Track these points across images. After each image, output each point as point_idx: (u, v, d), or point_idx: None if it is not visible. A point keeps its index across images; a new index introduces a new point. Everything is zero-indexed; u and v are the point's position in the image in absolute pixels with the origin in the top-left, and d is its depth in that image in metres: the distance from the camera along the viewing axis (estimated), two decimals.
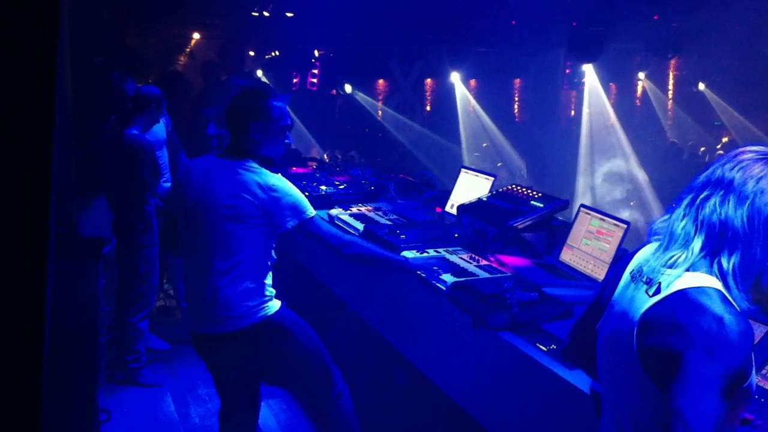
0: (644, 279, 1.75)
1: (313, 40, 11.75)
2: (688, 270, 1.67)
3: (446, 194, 5.05)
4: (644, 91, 14.36)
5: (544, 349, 2.81)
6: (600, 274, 3.46)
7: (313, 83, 12.45)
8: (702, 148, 12.84)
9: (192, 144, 6.18)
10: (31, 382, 0.96)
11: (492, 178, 4.71)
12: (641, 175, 11.18)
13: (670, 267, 1.70)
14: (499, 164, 11.80)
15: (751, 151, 1.74)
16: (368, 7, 9.13)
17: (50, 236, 0.94)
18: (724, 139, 13.43)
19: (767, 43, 10.12)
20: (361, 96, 13.21)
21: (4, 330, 0.94)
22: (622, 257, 1.98)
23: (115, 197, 5.12)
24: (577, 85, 12.53)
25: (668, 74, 14.57)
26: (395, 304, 3.92)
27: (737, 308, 1.62)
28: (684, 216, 1.73)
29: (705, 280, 1.65)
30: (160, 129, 5.52)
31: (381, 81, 14.25)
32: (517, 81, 15.01)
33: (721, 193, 1.69)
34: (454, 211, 4.57)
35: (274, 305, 3.36)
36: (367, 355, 4.60)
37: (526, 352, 2.83)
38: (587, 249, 3.62)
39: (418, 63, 13.91)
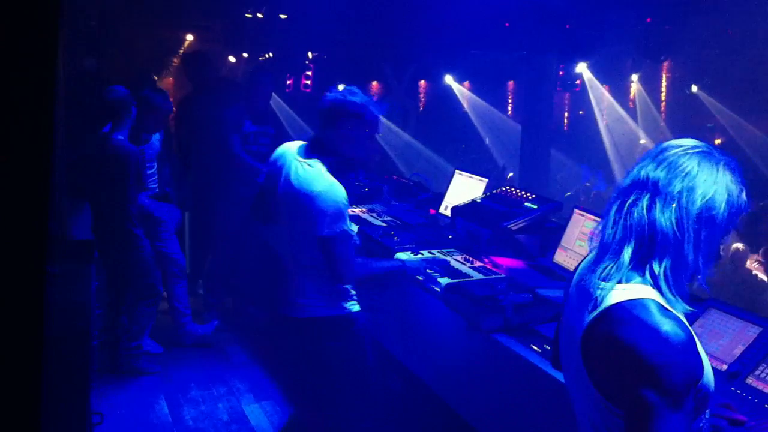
0: (584, 293, 1.72)
1: (307, 42, 11.74)
2: (621, 281, 1.64)
3: (440, 196, 5.05)
4: (637, 93, 14.41)
5: (537, 350, 2.81)
6: None
7: (306, 85, 12.44)
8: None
9: (205, 146, 6.20)
10: (30, 384, 0.96)
11: (486, 180, 4.72)
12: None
13: (604, 279, 1.67)
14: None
15: (674, 146, 1.73)
16: (362, 9, 9.13)
17: (47, 239, 0.94)
18: (717, 141, 13.48)
19: (758, 46, 10.18)
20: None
21: (3, 333, 0.94)
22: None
23: (100, 201, 5.12)
24: (571, 88, 12.55)
25: (661, 77, 14.62)
26: (388, 306, 3.91)
27: (675, 314, 1.60)
28: (613, 223, 1.70)
29: (639, 291, 1.63)
30: (156, 140, 5.60)
31: (375, 83, 14.25)
32: (510, 83, 15.04)
33: (648, 196, 1.66)
34: (448, 213, 4.58)
35: (351, 306, 3.38)
36: None
37: (519, 353, 2.83)
38: (581, 251, 3.63)
39: (412, 65, 13.91)
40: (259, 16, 10.12)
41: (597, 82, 12.25)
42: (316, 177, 3.22)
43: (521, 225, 3.98)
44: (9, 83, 0.91)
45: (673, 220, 1.63)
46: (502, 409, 2.98)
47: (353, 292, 3.41)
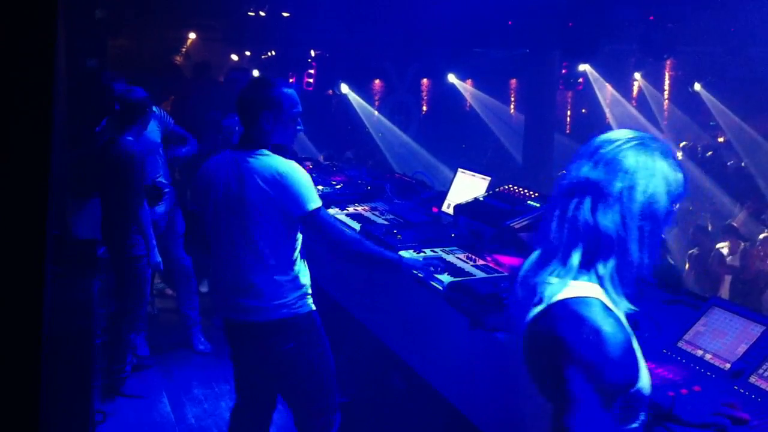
0: (529, 289, 1.72)
1: (309, 40, 11.74)
2: (568, 279, 1.65)
3: (443, 194, 5.04)
4: (640, 91, 14.39)
5: None
6: None
7: (309, 83, 12.44)
8: (699, 147, 12.88)
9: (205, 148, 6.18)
10: (30, 383, 0.96)
11: (488, 178, 4.71)
12: None
13: (551, 276, 1.68)
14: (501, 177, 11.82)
15: (609, 142, 1.72)
16: (364, 7, 9.13)
17: (48, 239, 0.93)
18: (720, 139, 13.47)
19: (761, 44, 10.16)
20: (353, 97, 13.20)
21: (3, 332, 0.94)
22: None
23: (106, 202, 5.01)
24: (574, 86, 12.54)
25: (664, 75, 14.60)
26: (391, 305, 3.91)
27: (617, 315, 1.62)
28: (559, 226, 1.70)
29: (585, 289, 1.64)
30: (152, 133, 5.45)
31: (377, 81, 14.24)
32: (513, 81, 15.02)
33: (590, 199, 1.66)
34: (450, 211, 4.57)
35: (306, 305, 3.33)
36: (363, 357, 4.59)
37: None
38: None
39: (414, 64, 13.90)
40: (262, 14, 10.12)
41: (602, 80, 12.23)
42: (277, 161, 3.20)
43: (524, 223, 3.97)
44: (7, 82, 0.91)
45: (617, 222, 1.63)
46: (504, 407, 2.98)
47: (308, 290, 3.36)
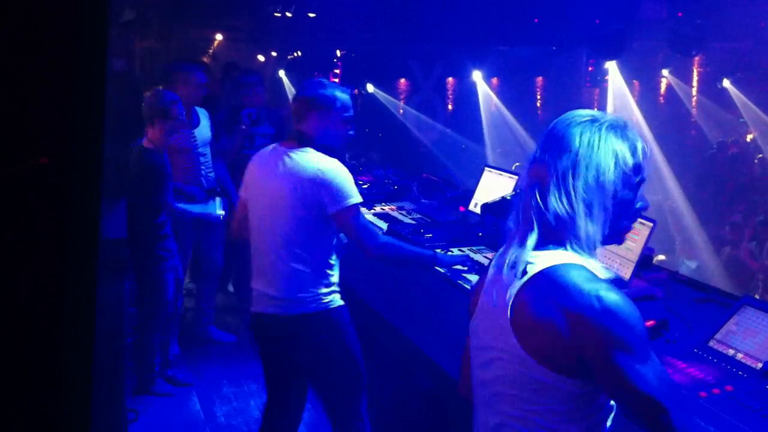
0: (509, 267, 1.74)
1: (335, 41, 11.78)
2: (549, 250, 1.69)
3: (469, 193, 5.04)
4: (668, 88, 14.24)
5: None
6: (626, 273, 3.44)
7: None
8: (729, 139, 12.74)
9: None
10: (83, 383, 0.98)
11: (516, 177, 4.70)
12: (666, 171, 11.08)
13: (532, 250, 1.70)
14: (516, 165, 11.73)
15: (559, 123, 1.75)
16: (389, 6, 9.14)
17: (99, 240, 0.96)
18: (750, 136, 13.30)
19: None
20: (382, 95, 13.21)
21: (58, 330, 0.96)
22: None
23: (134, 202, 4.98)
24: (600, 83, 12.46)
25: (692, 71, 14.45)
26: (418, 303, 3.92)
27: (604, 281, 1.66)
28: (521, 213, 1.76)
29: (567, 256, 1.67)
30: (204, 128, 5.51)
31: (402, 80, 14.24)
32: (539, 79, 14.94)
33: (541, 182, 1.71)
34: (477, 210, 4.57)
35: (336, 300, 3.37)
36: (389, 355, 4.60)
37: None
38: (613, 248, 3.60)
39: (439, 62, 13.88)
40: (288, 15, 10.16)
41: (622, 80, 12.10)
42: (320, 158, 3.25)
43: None
44: (62, 85, 0.93)
45: (564, 202, 1.66)
46: None
47: (336, 287, 3.39)
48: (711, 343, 2.62)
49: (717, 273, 8.20)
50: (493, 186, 4.76)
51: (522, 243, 1.71)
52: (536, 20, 9.68)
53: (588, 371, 1.62)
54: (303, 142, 3.31)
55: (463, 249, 3.98)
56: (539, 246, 1.69)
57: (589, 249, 1.68)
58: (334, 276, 3.38)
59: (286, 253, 3.28)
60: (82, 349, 1.00)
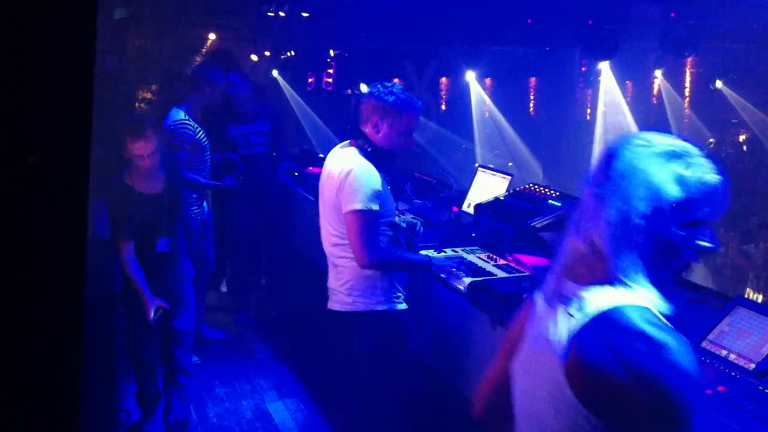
0: (561, 304, 1.59)
1: (329, 40, 11.76)
2: (603, 287, 1.53)
3: (463, 194, 5.04)
4: (661, 89, 14.28)
5: None
6: None
7: (328, 83, 12.46)
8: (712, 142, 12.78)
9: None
10: (70, 382, 0.97)
11: (509, 177, 4.70)
12: None
13: (585, 286, 1.55)
14: (510, 164, 11.74)
15: (613, 149, 1.59)
16: (383, 6, 9.13)
17: (86, 240, 0.95)
18: (742, 137, 13.34)
19: None
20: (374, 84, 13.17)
21: (42, 330, 0.95)
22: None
23: None
24: (593, 84, 12.47)
25: (685, 72, 14.47)
26: (412, 303, 3.91)
27: (667, 324, 1.49)
28: (576, 243, 1.60)
29: (624, 295, 1.51)
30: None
31: (396, 80, 14.22)
32: (533, 80, 14.95)
33: (599, 213, 1.55)
34: (471, 211, 4.57)
35: (395, 303, 3.43)
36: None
37: None
38: None
39: (433, 62, 13.87)
40: (281, 14, 10.14)
41: (614, 81, 12.12)
42: (350, 157, 3.33)
43: (545, 223, 3.96)
44: (49, 84, 0.92)
45: (598, 233, 1.53)
46: None
47: (400, 292, 3.44)
48: (704, 344, 2.62)
49: (710, 274, 8.22)
50: (487, 186, 4.76)
51: (572, 277, 1.58)
52: (529, 20, 9.69)
53: (638, 423, 1.46)
54: (361, 144, 3.38)
55: (457, 249, 3.98)
56: (591, 281, 1.55)
57: (634, 283, 1.51)
58: (389, 277, 3.40)
59: (337, 249, 3.41)
60: (70, 349, 0.99)
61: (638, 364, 1.43)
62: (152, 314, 4.03)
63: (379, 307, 3.35)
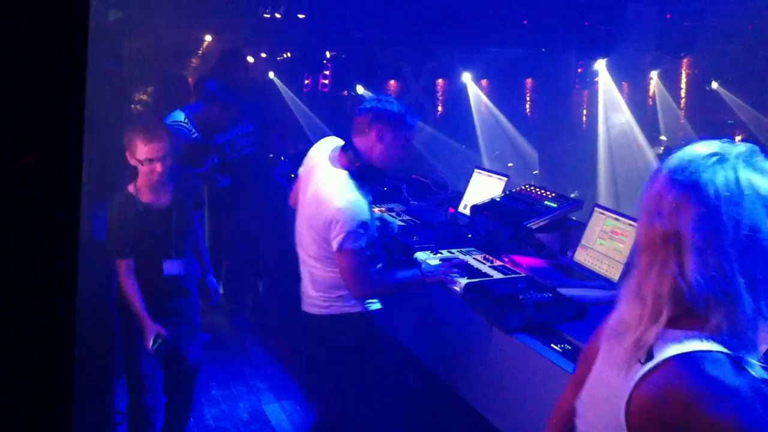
0: (628, 343, 1.41)
1: (325, 42, 11.77)
2: (681, 331, 1.35)
3: (459, 195, 5.04)
4: (657, 90, 14.30)
5: (558, 349, 2.80)
6: (615, 274, 3.45)
7: (324, 84, 12.47)
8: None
9: None
10: (62, 383, 0.97)
11: (505, 179, 4.71)
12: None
13: (660, 328, 1.37)
14: (510, 165, 11.75)
15: (680, 169, 1.37)
16: (379, 8, 9.13)
17: (78, 241, 0.95)
18: (738, 137, 13.37)
19: None
20: (371, 97, 13.19)
21: (34, 329, 0.95)
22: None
23: None
24: (590, 85, 12.48)
25: (680, 73, 14.50)
26: (408, 305, 3.91)
27: (752, 374, 1.30)
28: (647, 275, 1.39)
29: (705, 343, 1.32)
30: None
31: (392, 82, 14.23)
32: (529, 81, 14.96)
33: (675, 251, 1.34)
34: (467, 212, 4.57)
35: (369, 304, 3.46)
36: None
37: (540, 353, 2.82)
38: (602, 249, 3.61)
39: (429, 64, 13.89)
40: (277, 16, 10.14)
41: (611, 81, 12.14)
42: (340, 191, 3.29)
43: (541, 224, 3.97)
44: (40, 84, 0.92)
45: (715, 274, 1.30)
46: (522, 408, 2.97)
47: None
48: None
49: None
50: (483, 187, 4.76)
51: (647, 320, 1.37)
52: (525, 22, 9.71)
53: None
54: (352, 159, 3.36)
55: (453, 251, 3.98)
56: (668, 324, 1.36)
57: (747, 333, 1.31)
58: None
59: (315, 254, 3.42)
60: (62, 348, 0.99)
61: (706, 413, 1.26)
62: (151, 343, 3.67)
63: (353, 310, 3.41)
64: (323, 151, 3.51)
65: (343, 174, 3.35)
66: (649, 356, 1.35)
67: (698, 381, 1.28)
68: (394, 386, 3.61)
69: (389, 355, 3.53)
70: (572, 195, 5.72)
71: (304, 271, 3.51)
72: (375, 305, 3.46)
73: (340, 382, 3.56)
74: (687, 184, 1.34)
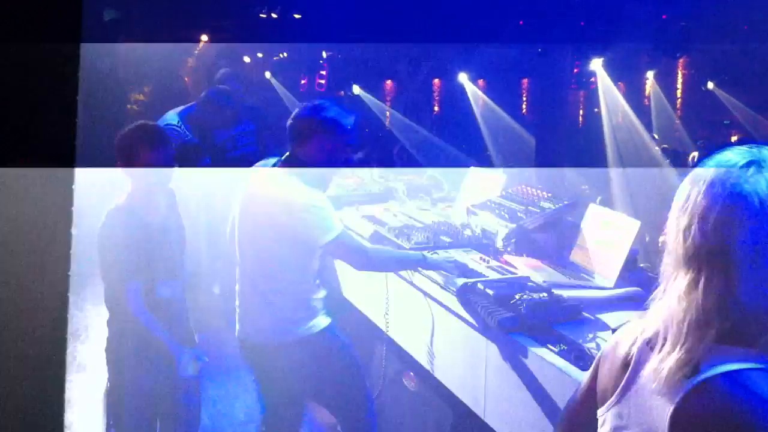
0: (671, 360, 1.34)
1: (321, 42, 11.77)
2: (729, 347, 1.30)
3: (455, 195, 5.04)
4: (653, 90, 14.33)
5: (554, 349, 2.80)
6: (610, 274, 3.44)
7: (320, 84, 12.48)
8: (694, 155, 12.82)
9: None
10: (56, 380, 0.97)
11: (502, 179, 4.70)
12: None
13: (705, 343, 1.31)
14: (510, 165, 11.76)
15: (717, 181, 1.31)
16: (375, 8, 9.14)
17: (71, 241, 0.95)
18: (734, 138, 13.39)
19: None
20: (367, 97, 13.21)
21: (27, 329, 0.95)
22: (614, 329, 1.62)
23: None
24: (586, 85, 12.49)
25: (677, 73, 14.53)
26: (407, 305, 3.91)
27: None
28: (700, 307, 1.32)
29: (754, 360, 1.28)
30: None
31: (389, 82, 14.24)
32: (525, 81, 14.99)
33: (719, 268, 1.30)
34: (463, 212, 4.56)
35: (319, 324, 3.40)
36: (374, 357, 4.59)
37: (536, 353, 2.82)
38: (598, 249, 3.61)
39: (426, 64, 13.89)
40: (274, 16, 10.14)
41: (609, 80, 12.16)
42: (301, 190, 3.25)
43: (537, 224, 3.96)
44: (35, 87, 0.92)
45: (761, 287, 1.27)
46: (518, 408, 2.97)
47: (320, 306, 3.44)
48: None
49: None
50: (480, 187, 4.76)
51: (693, 335, 1.31)
52: (521, 22, 9.72)
53: None
54: (296, 165, 3.30)
55: (449, 251, 3.97)
56: (715, 339, 1.31)
57: None
58: (315, 302, 3.42)
59: (267, 287, 3.38)
60: (55, 348, 0.99)
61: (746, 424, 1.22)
62: (189, 369, 3.41)
63: (310, 331, 3.38)
64: (262, 171, 3.48)
65: (295, 178, 3.29)
66: (695, 371, 1.29)
67: (748, 399, 1.23)
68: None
69: (357, 358, 3.57)
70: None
71: (258, 306, 3.43)
72: (326, 320, 3.44)
73: (330, 402, 3.62)
74: (730, 198, 1.29)
